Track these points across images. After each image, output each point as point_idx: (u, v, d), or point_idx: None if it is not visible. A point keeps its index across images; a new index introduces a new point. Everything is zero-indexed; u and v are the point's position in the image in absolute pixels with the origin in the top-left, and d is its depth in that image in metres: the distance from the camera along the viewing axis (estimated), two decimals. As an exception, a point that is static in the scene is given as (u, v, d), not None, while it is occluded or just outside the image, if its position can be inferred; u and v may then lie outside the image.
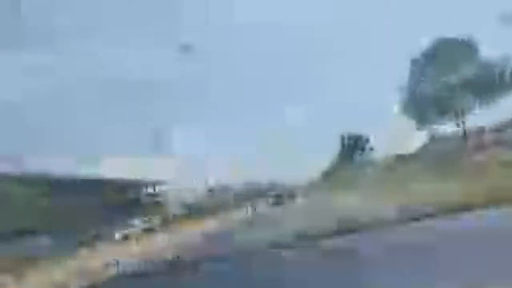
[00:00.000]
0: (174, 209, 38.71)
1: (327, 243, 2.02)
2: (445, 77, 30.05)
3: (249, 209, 35.73)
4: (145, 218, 29.98)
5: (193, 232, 17.70)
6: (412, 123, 32.93)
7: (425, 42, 30.76)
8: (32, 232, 16.03)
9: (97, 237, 18.09)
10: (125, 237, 18.58)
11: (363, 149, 45.14)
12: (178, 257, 6.74)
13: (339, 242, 1.99)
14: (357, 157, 45.82)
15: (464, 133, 29.70)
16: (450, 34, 31.19)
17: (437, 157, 24.22)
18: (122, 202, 26.59)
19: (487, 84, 29.30)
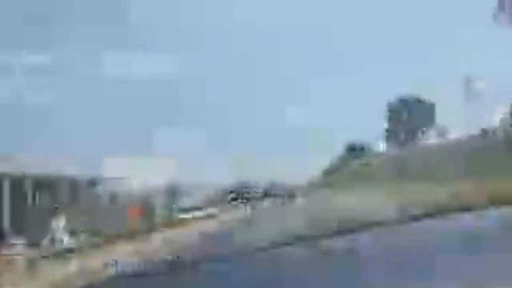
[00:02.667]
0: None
1: (327, 243, 2.02)
2: None
3: (249, 208, 35.72)
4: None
5: (191, 232, 17.71)
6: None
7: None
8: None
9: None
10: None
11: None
12: (178, 257, 6.74)
13: (339, 242, 1.98)
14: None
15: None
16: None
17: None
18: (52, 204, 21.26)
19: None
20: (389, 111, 42.90)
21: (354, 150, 52.77)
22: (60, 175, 21.01)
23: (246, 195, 47.75)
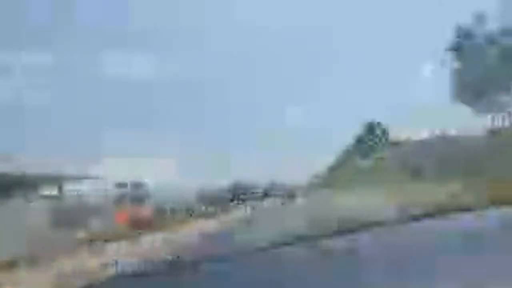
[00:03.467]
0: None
1: (327, 243, 2.02)
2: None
3: (249, 208, 35.79)
4: None
5: (190, 232, 17.72)
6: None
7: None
8: None
9: None
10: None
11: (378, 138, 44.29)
12: (178, 257, 6.75)
13: (339, 242, 1.99)
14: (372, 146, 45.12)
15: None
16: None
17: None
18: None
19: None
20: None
21: (361, 142, 52.32)
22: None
23: (245, 196, 47.75)
